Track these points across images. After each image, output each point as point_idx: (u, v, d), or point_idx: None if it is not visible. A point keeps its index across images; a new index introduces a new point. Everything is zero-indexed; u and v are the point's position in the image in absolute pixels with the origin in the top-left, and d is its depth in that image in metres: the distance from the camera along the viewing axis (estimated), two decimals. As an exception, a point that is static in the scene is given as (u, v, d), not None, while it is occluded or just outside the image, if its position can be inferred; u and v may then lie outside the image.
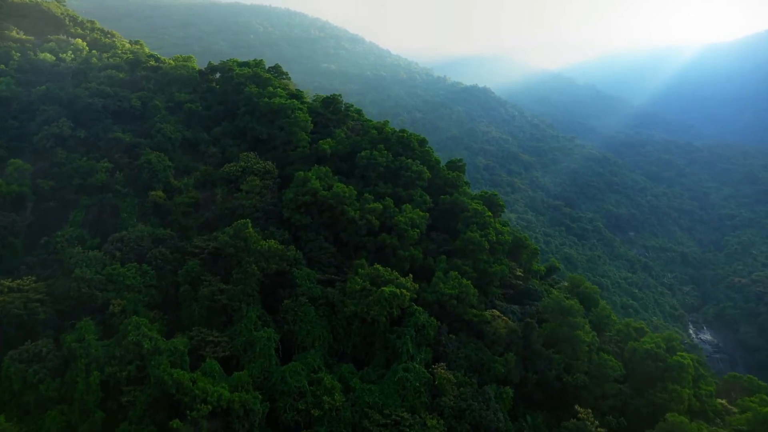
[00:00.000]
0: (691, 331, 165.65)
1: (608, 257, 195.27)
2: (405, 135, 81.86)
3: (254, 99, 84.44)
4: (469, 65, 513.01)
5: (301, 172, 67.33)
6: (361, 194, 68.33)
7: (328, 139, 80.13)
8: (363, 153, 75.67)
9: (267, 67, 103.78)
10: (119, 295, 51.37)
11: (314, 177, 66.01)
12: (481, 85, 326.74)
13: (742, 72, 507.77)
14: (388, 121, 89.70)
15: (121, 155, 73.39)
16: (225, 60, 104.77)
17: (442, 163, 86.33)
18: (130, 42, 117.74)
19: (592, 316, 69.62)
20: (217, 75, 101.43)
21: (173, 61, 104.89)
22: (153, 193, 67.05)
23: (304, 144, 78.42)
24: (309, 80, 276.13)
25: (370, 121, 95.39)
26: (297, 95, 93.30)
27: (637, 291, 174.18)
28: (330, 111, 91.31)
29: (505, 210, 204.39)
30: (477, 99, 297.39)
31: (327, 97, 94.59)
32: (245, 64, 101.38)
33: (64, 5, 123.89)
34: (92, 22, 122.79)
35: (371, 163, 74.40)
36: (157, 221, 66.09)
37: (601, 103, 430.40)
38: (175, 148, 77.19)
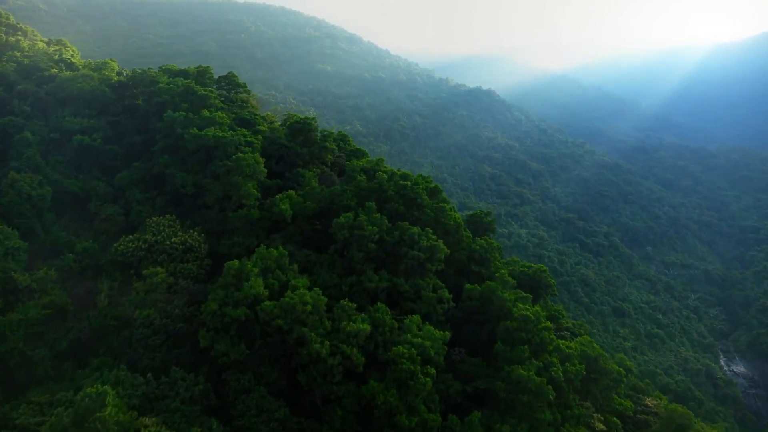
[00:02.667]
0: (722, 362, 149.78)
1: (627, 276, 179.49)
2: (408, 184, 55.87)
3: (177, 129, 58.19)
4: (469, 66, 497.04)
5: (236, 261, 42.42)
6: (338, 300, 43.37)
7: (291, 192, 55.20)
8: (343, 218, 49.23)
9: (217, 77, 79.46)
10: None
11: (258, 268, 41.88)
12: (483, 86, 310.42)
13: (750, 73, 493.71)
14: (382, 160, 63.11)
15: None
16: (153, 67, 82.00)
17: (453, 209, 61.96)
18: (49, 42, 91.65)
19: None
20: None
21: (83, 67, 78.66)
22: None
23: (252, 201, 53.89)
24: (303, 82, 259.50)
25: (359, 160, 67.12)
26: (249, 120, 68.51)
27: (661, 317, 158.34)
28: (299, 142, 66.43)
29: (516, 225, 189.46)
30: (481, 102, 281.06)
31: (295, 123, 68.24)
32: (182, 73, 76.36)
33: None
34: (7, 16, 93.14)
35: (356, 236, 48.36)
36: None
37: (608, 105, 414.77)
38: (40, 211, 51.55)
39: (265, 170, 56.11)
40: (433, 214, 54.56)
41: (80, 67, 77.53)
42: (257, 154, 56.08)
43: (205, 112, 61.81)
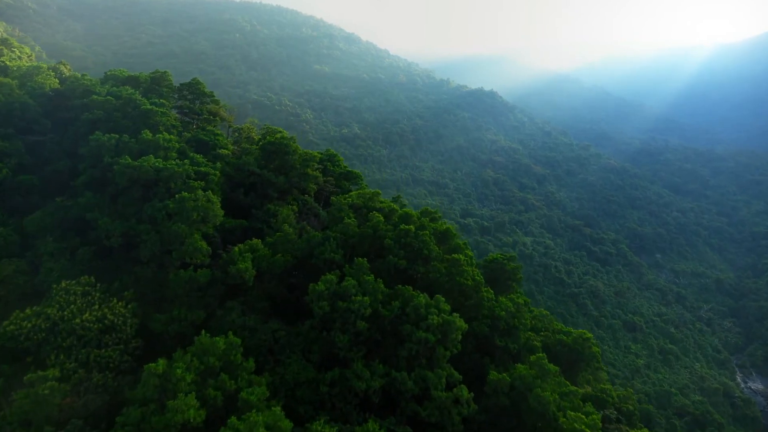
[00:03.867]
0: (739, 379, 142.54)
1: (637, 286, 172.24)
2: (411, 229, 42.48)
3: (106, 158, 44.87)
4: (470, 66, 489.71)
5: (160, 363, 29.69)
6: (313, 408, 33.42)
7: (255, 242, 41.66)
8: (322, 284, 36.58)
9: (178, 85, 65.20)
10: None
11: (193, 373, 29.89)
12: (484, 87, 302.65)
13: (754, 73, 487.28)
14: (378, 193, 50.23)
15: None
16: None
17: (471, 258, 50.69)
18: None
19: None
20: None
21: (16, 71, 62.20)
22: None
23: (200, 258, 39.80)
24: (299, 84, 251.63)
25: (349, 192, 54.15)
26: (208, 143, 54.78)
27: (674, 330, 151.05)
28: (274, 168, 53.42)
29: (520, 233, 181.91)
30: (483, 104, 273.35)
31: (269, 144, 54.37)
32: (131, 80, 62.78)
33: None
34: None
35: (340, 310, 36.12)
36: None
37: (611, 106, 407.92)
38: None
39: (222, 212, 42.80)
40: (444, 270, 42.07)
41: (15, 71, 62.05)
42: (211, 192, 43.14)
43: (146, 134, 47.62)
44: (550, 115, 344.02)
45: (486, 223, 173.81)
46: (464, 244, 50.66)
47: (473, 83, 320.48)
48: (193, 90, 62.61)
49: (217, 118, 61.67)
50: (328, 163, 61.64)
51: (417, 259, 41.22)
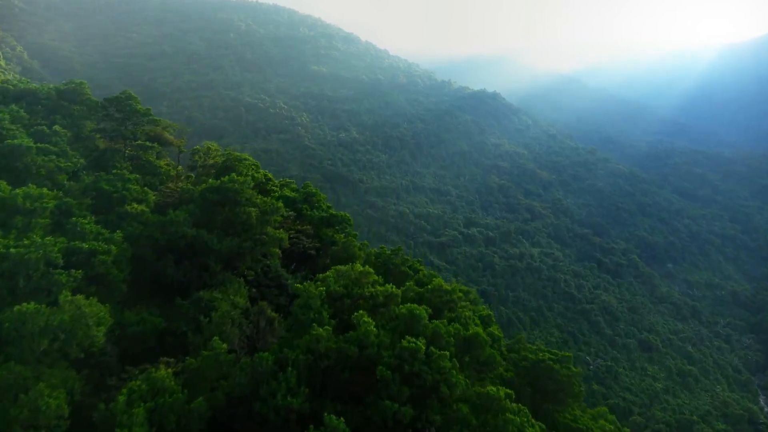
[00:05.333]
0: (762, 402, 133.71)
1: (650, 300, 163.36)
2: (422, 350, 25.61)
3: None
4: (470, 67, 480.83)
5: None
6: None
7: (160, 377, 22.98)
8: None
9: (101, 100, 50.78)
10: None
11: None
12: (485, 88, 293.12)
13: (760, 74, 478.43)
14: (370, 273, 31.99)
15: None
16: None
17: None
18: None
19: None
20: None
21: None
22: None
23: (49, 418, 20.91)
24: (295, 85, 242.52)
25: (339, 243, 42.48)
26: (110, 194, 37.73)
27: (691, 349, 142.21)
28: (221, 222, 37.31)
29: (527, 244, 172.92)
30: (486, 106, 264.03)
31: (212, 190, 37.28)
32: (28, 94, 49.45)
33: None
34: None
35: None
36: None
37: (616, 109, 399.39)
38: None
39: (109, 319, 26.09)
40: (473, 416, 25.30)
41: None
42: (94, 299, 25.92)
43: (1, 187, 31.61)
44: (553, 117, 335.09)
45: (491, 233, 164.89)
46: (498, 339, 35.38)
47: (474, 84, 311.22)
48: (122, 107, 45.96)
49: (155, 146, 47.17)
50: (305, 206, 46.16)
51: (430, 399, 25.39)
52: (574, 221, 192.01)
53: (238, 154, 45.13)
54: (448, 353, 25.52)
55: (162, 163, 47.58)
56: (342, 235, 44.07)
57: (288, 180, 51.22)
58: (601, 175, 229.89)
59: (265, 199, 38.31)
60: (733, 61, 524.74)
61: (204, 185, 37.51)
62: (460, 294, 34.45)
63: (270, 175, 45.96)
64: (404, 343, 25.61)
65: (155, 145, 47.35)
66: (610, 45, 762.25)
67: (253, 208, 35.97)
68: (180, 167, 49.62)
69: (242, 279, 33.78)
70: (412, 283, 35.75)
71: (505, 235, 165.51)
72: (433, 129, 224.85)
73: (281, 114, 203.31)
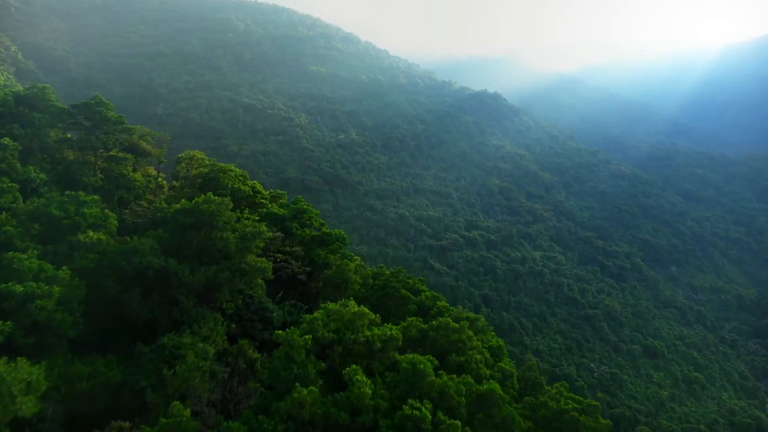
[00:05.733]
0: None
1: (654, 304, 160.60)
2: (428, 417, 21.91)
3: None
4: (471, 67, 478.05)
5: None
6: None
7: None
8: None
9: (68, 106, 44.64)
10: None
11: None
12: (486, 89, 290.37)
13: (762, 75, 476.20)
14: (365, 313, 27.54)
15: None
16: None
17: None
18: None
19: None
20: None
21: None
22: None
23: None
24: (294, 86, 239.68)
25: (332, 267, 37.70)
26: (55, 226, 31.38)
27: (697, 355, 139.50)
28: (192, 252, 32.62)
29: (529, 247, 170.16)
30: (487, 107, 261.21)
31: (183, 212, 32.92)
32: None
33: None
34: None
35: None
36: None
37: (617, 109, 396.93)
38: None
39: (45, 384, 21.79)
40: None
41: None
42: (23, 359, 21.72)
43: None
44: (554, 117, 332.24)
45: (492, 237, 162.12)
46: (511, 376, 32.31)
47: (474, 84, 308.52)
48: (92, 114, 40.35)
49: (130, 155, 42.54)
50: (295, 224, 40.66)
51: None
52: (576, 224, 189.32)
53: (224, 165, 41.10)
54: (458, 423, 21.75)
55: (137, 175, 43.31)
56: (337, 256, 39.65)
57: (279, 192, 46.82)
58: (604, 177, 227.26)
59: (246, 222, 34.17)
60: (734, 61, 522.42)
61: (176, 206, 33.10)
62: (470, 332, 30.68)
63: (259, 187, 42.16)
64: (406, 409, 21.88)
65: (130, 156, 43.05)
66: (611, 45, 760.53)
67: (231, 234, 31.34)
68: (162, 178, 45.96)
69: (219, 314, 29.95)
70: (414, 318, 32.14)
71: (507, 239, 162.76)
72: (433, 130, 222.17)
73: (279, 115, 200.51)
